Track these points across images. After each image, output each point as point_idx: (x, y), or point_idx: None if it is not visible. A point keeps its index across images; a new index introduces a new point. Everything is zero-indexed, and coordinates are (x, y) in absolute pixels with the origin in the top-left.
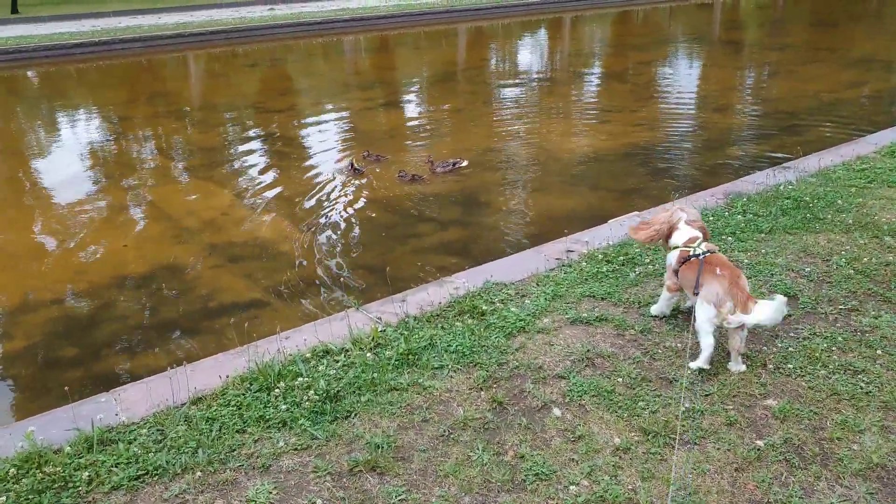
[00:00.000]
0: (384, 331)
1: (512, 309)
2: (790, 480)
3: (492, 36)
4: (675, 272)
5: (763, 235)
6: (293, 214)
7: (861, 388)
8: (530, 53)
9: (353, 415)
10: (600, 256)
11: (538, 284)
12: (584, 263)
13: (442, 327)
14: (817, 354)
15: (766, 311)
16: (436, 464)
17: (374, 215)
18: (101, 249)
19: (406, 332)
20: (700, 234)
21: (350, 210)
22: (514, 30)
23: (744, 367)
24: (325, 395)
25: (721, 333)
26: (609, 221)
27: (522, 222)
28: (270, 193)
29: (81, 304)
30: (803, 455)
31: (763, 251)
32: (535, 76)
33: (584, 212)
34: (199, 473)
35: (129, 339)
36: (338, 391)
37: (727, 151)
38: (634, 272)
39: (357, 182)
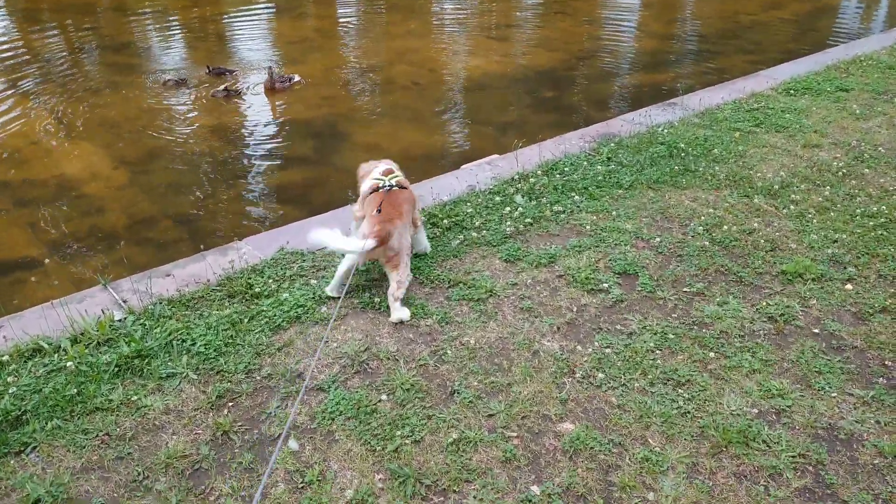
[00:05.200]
0: (122, 320)
1: (293, 291)
2: None
3: None
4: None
5: (621, 192)
6: (112, 145)
7: (679, 406)
8: None
9: (30, 448)
10: (425, 218)
11: (342, 255)
12: None
13: (200, 315)
14: (639, 357)
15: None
16: None
17: (208, 147)
18: None
19: (149, 323)
20: (396, 169)
21: (182, 139)
22: None
23: (403, 315)
24: (2, 418)
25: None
26: (462, 167)
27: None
28: (93, 117)
29: None
30: None
31: (615, 213)
32: None
33: (451, 150)
34: None
35: None
36: (23, 412)
37: (626, 80)
38: (459, 239)
39: (197, 105)
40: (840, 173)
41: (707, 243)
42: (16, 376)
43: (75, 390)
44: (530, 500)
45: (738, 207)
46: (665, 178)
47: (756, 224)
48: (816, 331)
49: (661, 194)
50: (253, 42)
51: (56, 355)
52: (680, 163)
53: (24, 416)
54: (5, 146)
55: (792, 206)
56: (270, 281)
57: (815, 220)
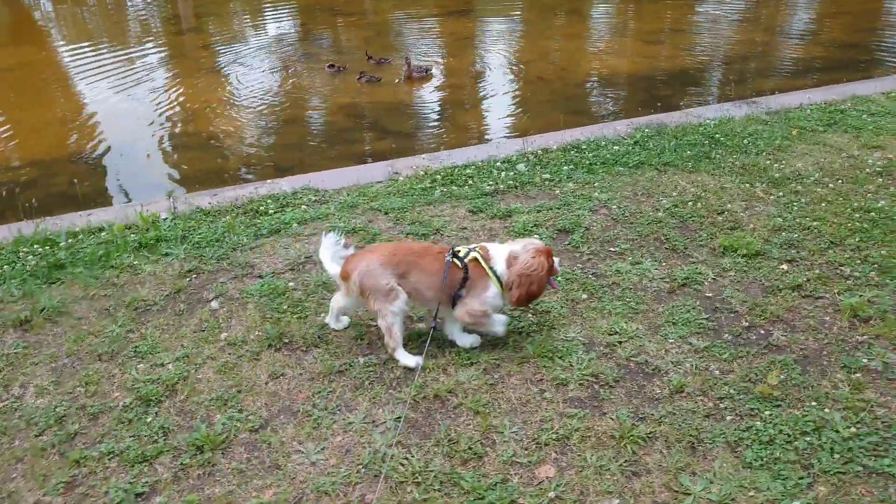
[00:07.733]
0: (166, 219)
1: (288, 213)
2: (343, 398)
3: None
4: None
5: (621, 169)
6: (262, 114)
7: (519, 327)
8: None
9: (59, 282)
10: (423, 173)
11: (348, 194)
12: (407, 179)
13: (213, 221)
14: None
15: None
16: (74, 330)
17: (332, 119)
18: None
19: (180, 222)
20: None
21: (317, 113)
22: None
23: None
24: (53, 263)
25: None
26: (492, 140)
27: (463, 138)
28: (256, 92)
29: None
30: (373, 378)
31: (597, 184)
32: None
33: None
34: None
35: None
36: (67, 261)
37: (753, 83)
38: (441, 191)
39: (342, 87)
40: (873, 171)
41: (663, 215)
42: (77, 241)
43: (107, 252)
44: (351, 365)
45: (732, 190)
46: (677, 161)
47: (732, 206)
48: (710, 295)
49: (661, 175)
50: (419, 38)
51: (109, 233)
52: (702, 151)
53: (65, 263)
54: (184, 109)
55: (785, 195)
56: (271, 202)
57: (797, 208)
